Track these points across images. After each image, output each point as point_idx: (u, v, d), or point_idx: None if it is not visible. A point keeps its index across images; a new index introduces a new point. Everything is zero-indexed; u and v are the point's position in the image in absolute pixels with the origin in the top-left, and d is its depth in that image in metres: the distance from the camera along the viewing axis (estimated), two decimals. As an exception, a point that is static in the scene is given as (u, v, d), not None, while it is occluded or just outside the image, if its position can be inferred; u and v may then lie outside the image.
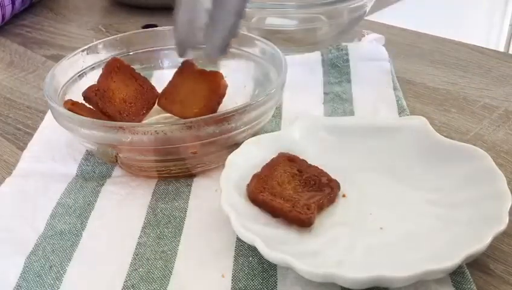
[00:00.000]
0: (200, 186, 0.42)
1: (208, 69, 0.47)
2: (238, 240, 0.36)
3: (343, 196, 0.39)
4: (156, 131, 0.38)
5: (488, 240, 0.31)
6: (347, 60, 0.57)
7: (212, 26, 0.39)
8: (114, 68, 0.47)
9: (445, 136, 0.41)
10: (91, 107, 0.45)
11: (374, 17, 0.75)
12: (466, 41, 0.65)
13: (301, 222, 0.36)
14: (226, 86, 0.45)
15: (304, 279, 0.32)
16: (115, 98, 0.46)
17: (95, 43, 0.49)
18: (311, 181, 0.39)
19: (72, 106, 0.43)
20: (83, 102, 0.45)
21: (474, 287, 0.33)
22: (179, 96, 0.47)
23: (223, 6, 0.39)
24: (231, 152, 0.39)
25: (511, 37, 1.70)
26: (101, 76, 0.47)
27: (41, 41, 0.71)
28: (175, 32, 0.41)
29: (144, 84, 0.48)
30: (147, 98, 0.48)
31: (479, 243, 0.31)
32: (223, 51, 0.40)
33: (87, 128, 0.39)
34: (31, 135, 0.49)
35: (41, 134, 0.49)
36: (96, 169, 0.44)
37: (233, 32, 0.40)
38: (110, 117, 0.45)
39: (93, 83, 0.48)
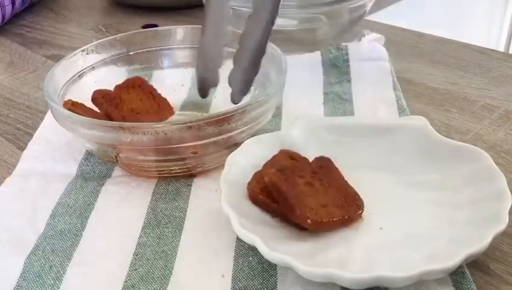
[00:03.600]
0: (200, 186, 0.42)
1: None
2: (238, 240, 0.36)
3: (343, 195, 0.39)
4: (156, 131, 0.38)
5: (488, 240, 0.31)
6: (347, 60, 0.57)
7: (234, 70, 0.41)
8: (134, 84, 0.48)
9: (445, 136, 0.41)
10: (91, 108, 0.45)
11: (374, 17, 0.75)
12: (466, 42, 0.65)
13: (301, 222, 0.36)
14: None
15: (303, 279, 0.32)
16: (122, 106, 0.46)
17: (95, 43, 0.49)
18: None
19: (72, 106, 0.43)
20: (83, 102, 0.45)
21: (474, 287, 0.33)
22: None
23: (243, 47, 0.41)
24: (231, 152, 0.39)
25: (511, 37, 1.70)
26: (117, 86, 0.47)
27: (41, 41, 0.71)
28: (197, 70, 0.43)
29: (161, 103, 0.48)
30: (159, 114, 0.48)
31: (479, 243, 0.31)
32: (245, 93, 0.42)
33: (87, 128, 0.39)
34: (31, 135, 0.49)
35: (41, 134, 0.49)
36: (96, 169, 0.44)
37: (255, 73, 0.41)
38: (112, 120, 0.45)
39: (93, 83, 0.48)
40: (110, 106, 0.45)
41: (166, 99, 0.49)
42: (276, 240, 0.34)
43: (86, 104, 0.45)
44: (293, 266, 0.31)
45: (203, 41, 0.43)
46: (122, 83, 0.48)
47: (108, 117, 0.45)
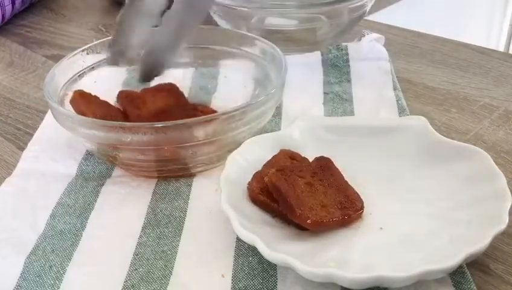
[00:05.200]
0: (200, 186, 0.42)
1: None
2: (238, 240, 0.36)
3: (343, 196, 0.39)
4: (156, 131, 0.38)
5: (488, 240, 0.31)
6: (347, 60, 0.57)
7: (147, 49, 0.40)
8: (163, 89, 0.47)
9: (445, 136, 0.41)
10: (99, 97, 0.45)
11: (374, 17, 0.75)
12: (466, 42, 0.65)
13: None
14: None
15: (304, 279, 0.32)
16: (142, 106, 0.46)
17: (95, 43, 0.49)
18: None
19: (80, 96, 0.43)
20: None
21: (474, 287, 0.33)
22: None
23: (162, 30, 0.39)
24: (231, 152, 0.39)
25: (511, 37, 1.70)
26: (144, 88, 0.47)
27: (41, 41, 0.71)
28: (113, 41, 0.42)
29: (186, 108, 0.47)
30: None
31: (479, 243, 0.31)
32: (147, 79, 0.41)
33: (87, 128, 0.39)
34: (31, 135, 0.49)
35: (41, 134, 0.48)
36: (96, 169, 0.44)
37: (164, 64, 0.39)
38: (126, 117, 0.45)
39: (93, 83, 0.48)
40: (130, 104, 0.45)
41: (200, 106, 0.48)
42: (276, 240, 0.34)
43: (97, 96, 0.45)
44: (293, 266, 0.31)
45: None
46: (152, 86, 0.48)
47: (125, 114, 0.45)
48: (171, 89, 0.48)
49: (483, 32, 1.64)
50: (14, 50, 0.69)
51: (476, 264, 0.34)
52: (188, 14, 0.39)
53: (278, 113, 0.50)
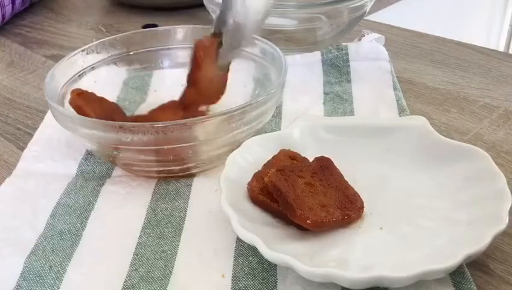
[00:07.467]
0: (200, 186, 0.42)
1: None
2: (238, 240, 0.36)
3: (343, 196, 0.39)
4: (156, 131, 0.38)
5: (488, 240, 0.31)
6: (347, 60, 0.57)
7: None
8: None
9: (445, 136, 0.41)
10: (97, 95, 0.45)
11: (374, 17, 0.75)
12: (466, 42, 0.65)
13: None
14: None
15: (304, 279, 0.32)
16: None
17: (95, 43, 0.49)
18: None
19: (78, 96, 0.42)
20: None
21: (474, 287, 0.33)
22: None
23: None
24: (231, 152, 0.39)
25: (511, 37, 1.70)
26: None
27: (41, 41, 0.71)
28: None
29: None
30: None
31: (479, 243, 0.31)
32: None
33: (88, 128, 0.39)
34: (31, 135, 0.49)
35: (41, 134, 0.48)
36: (96, 169, 0.44)
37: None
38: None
39: (93, 83, 0.48)
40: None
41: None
42: (276, 240, 0.34)
43: (94, 93, 0.45)
44: (293, 266, 0.31)
45: None
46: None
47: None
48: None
49: (483, 32, 1.64)
50: (14, 50, 0.69)
51: (476, 264, 0.34)
52: None
53: (278, 113, 0.50)
